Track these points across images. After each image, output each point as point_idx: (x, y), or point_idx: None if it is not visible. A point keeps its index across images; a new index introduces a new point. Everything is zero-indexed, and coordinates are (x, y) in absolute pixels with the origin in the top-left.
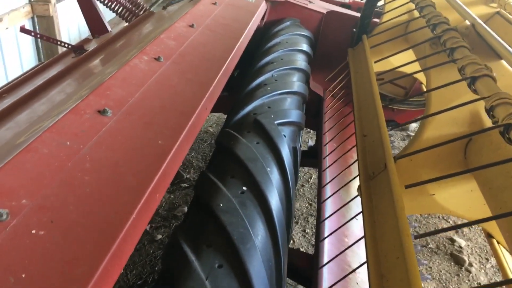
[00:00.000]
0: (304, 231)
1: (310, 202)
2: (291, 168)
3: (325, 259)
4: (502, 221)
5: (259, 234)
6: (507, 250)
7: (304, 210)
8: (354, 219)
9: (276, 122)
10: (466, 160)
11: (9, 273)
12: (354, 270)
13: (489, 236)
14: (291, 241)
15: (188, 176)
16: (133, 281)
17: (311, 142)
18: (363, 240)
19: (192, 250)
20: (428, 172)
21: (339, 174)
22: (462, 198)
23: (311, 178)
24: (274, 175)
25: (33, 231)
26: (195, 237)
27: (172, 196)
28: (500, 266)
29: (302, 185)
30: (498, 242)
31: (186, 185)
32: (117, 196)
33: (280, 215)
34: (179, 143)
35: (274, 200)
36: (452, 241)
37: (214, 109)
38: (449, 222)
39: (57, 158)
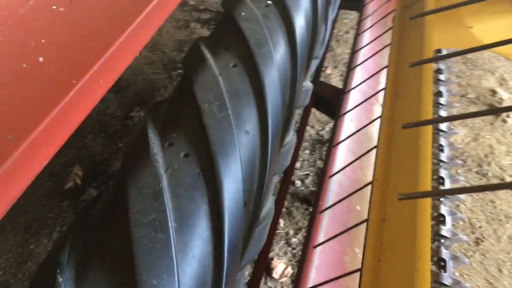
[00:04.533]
0: (342, 75)
1: None
2: None
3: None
4: None
5: (278, 44)
6: None
7: (344, 56)
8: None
9: None
10: None
11: (30, 37)
12: (375, 94)
13: None
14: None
15: None
16: None
17: None
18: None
19: (209, 51)
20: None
21: (377, 11)
22: (501, 32)
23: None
24: None
25: (54, 7)
26: (213, 42)
27: None
28: None
29: (347, 32)
30: None
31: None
32: None
33: (303, 33)
34: None
35: (299, 19)
36: (494, 92)
37: None
38: (494, 75)
39: None
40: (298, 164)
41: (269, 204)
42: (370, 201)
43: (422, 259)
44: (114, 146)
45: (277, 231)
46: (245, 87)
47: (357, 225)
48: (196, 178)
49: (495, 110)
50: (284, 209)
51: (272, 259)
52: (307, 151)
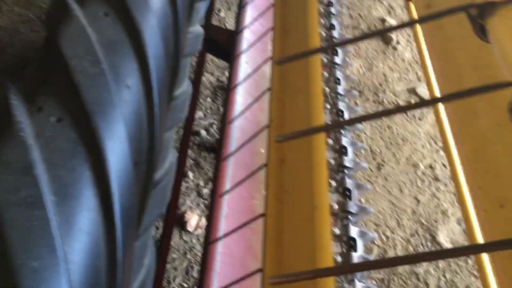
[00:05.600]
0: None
1: None
2: None
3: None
4: None
5: None
6: None
7: None
8: None
9: None
10: None
11: None
12: (266, 33)
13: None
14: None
15: None
16: None
17: None
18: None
19: (75, 0)
20: None
21: None
22: None
23: None
24: None
25: None
26: None
27: None
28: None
29: None
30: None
31: None
32: None
33: None
34: None
35: None
36: (383, 21)
37: None
38: (383, 4)
39: None
40: (201, 114)
41: (169, 159)
42: (268, 144)
43: (319, 195)
44: None
45: (187, 184)
46: (120, 37)
47: (259, 169)
48: (74, 143)
49: (379, 32)
50: (192, 161)
51: (185, 212)
52: (209, 99)
